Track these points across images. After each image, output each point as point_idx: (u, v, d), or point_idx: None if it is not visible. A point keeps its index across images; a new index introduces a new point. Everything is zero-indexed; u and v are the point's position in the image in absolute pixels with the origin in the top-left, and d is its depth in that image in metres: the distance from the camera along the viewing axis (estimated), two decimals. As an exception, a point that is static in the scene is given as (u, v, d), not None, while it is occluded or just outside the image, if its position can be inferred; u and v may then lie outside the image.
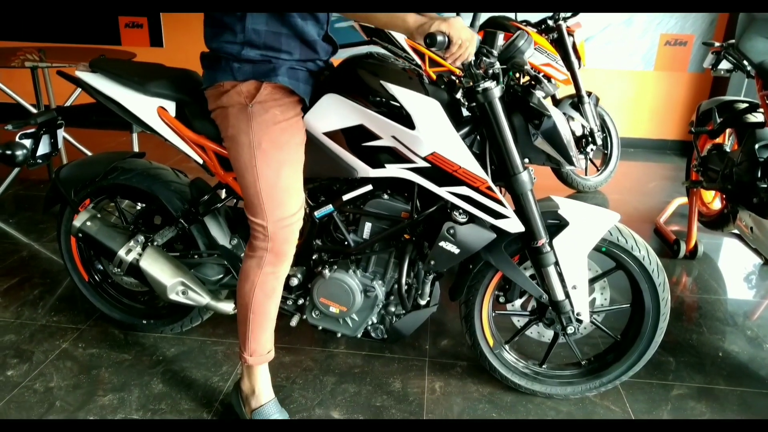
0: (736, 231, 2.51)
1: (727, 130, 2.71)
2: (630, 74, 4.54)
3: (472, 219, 1.49)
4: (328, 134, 1.48)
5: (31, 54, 3.53)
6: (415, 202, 1.54)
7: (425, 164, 1.41)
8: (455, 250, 1.50)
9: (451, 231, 1.49)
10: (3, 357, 1.88)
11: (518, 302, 1.75)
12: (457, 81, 1.47)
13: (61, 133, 1.79)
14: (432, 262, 1.54)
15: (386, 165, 1.45)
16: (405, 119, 1.38)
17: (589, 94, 3.48)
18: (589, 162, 3.64)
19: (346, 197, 1.58)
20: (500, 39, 1.34)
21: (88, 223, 1.71)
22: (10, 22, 4.91)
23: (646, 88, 4.56)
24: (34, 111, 3.03)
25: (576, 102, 3.47)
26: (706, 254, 2.81)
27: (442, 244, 1.50)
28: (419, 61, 3.37)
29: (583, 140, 3.55)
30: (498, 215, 1.44)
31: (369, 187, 1.56)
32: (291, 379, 1.83)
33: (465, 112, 1.50)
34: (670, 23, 4.34)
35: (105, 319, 2.04)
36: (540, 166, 1.51)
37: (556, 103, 3.53)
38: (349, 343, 2.00)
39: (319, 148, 1.50)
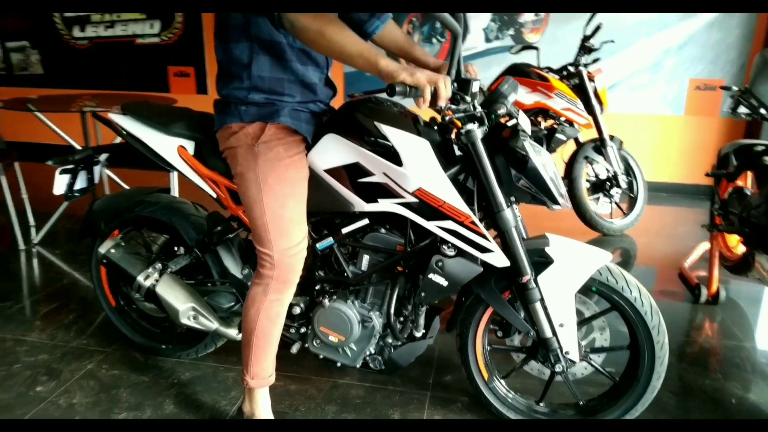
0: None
1: (749, 174, 2.69)
2: (660, 119, 4.54)
3: (461, 253, 1.56)
4: (329, 171, 1.59)
5: (89, 100, 3.88)
6: (408, 236, 1.62)
7: (413, 199, 1.50)
8: (444, 282, 1.57)
9: (440, 264, 1.56)
10: (35, 374, 2.03)
11: (517, 338, 1.79)
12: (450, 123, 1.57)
13: (98, 170, 1.98)
14: (423, 294, 1.61)
15: (379, 200, 1.55)
16: (394, 157, 1.48)
17: (612, 138, 3.52)
18: (614, 206, 3.64)
19: (345, 230, 1.68)
20: (474, 86, 1.43)
21: (112, 251, 1.87)
22: (74, 72, 5.38)
23: (677, 133, 4.54)
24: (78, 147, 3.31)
25: (599, 146, 3.51)
26: (730, 299, 2.75)
27: (431, 276, 1.57)
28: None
29: (607, 183, 3.58)
30: (483, 249, 1.50)
31: (366, 221, 1.66)
32: (294, 406, 1.90)
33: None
34: (698, 68, 4.35)
35: (128, 343, 2.18)
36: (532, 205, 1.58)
37: (579, 146, 3.58)
38: (353, 374, 2.06)
39: (321, 183, 1.62)
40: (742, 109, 2.77)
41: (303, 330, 1.82)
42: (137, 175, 3.65)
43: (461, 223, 1.48)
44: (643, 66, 4.45)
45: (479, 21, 4.57)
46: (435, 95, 1.28)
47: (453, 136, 1.57)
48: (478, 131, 1.47)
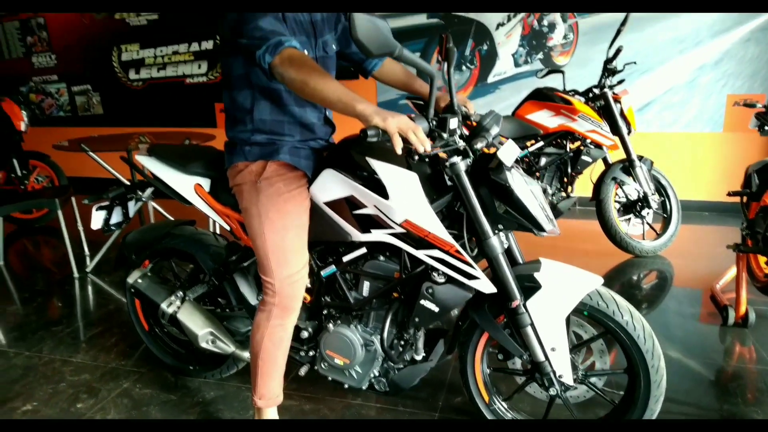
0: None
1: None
2: (697, 136, 4.44)
3: (451, 280, 1.63)
4: (328, 203, 1.71)
5: (143, 136, 4.20)
6: (404, 264, 1.71)
7: (401, 230, 1.59)
8: (434, 308, 1.64)
9: (430, 290, 1.64)
10: (77, 392, 2.23)
11: (519, 361, 1.83)
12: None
13: (132, 205, 2.18)
14: (416, 319, 1.69)
15: (372, 230, 1.65)
16: (383, 190, 1.58)
17: (642, 158, 3.49)
18: (646, 226, 3.59)
19: (345, 258, 1.79)
20: (452, 123, 1.51)
21: (139, 280, 2.06)
22: (131, 111, 5.81)
23: (715, 150, 4.42)
24: (126, 182, 3.59)
25: (627, 166, 3.49)
26: (762, 321, 2.66)
27: (422, 302, 1.65)
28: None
29: (638, 204, 3.54)
30: (469, 276, 1.57)
31: (363, 250, 1.76)
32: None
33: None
34: (737, 84, 4.25)
35: (161, 364, 2.35)
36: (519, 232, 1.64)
37: (608, 167, 3.56)
38: (366, 396, 2.15)
39: (321, 215, 1.74)
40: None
41: (311, 353, 1.93)
42: (182, 207, 3.90)
43: (447, 252, 1.56)
44: (678, 83, 4.38)
45: (508, 47, 4.64)
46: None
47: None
48: (461, 164, 1.55)
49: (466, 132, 1.66)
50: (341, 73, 1.88)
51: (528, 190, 1.58)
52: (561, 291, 1.58)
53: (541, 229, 1.57)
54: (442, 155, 1.58)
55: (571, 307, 1.59)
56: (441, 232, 1.55)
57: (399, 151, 1.33)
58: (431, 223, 1.55)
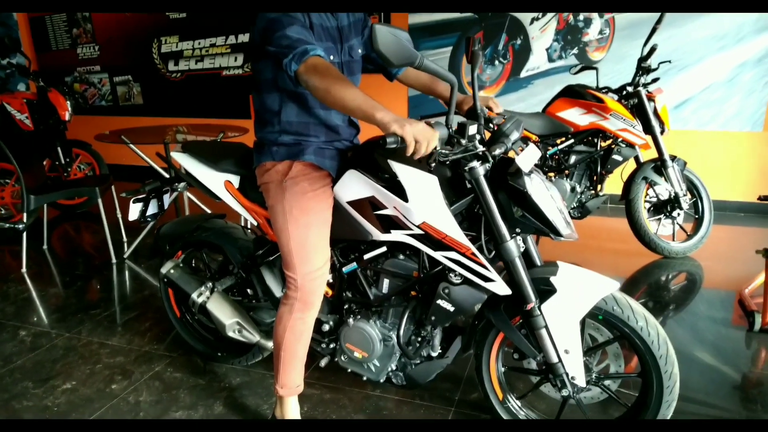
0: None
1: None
2: (736, 135, 4.32)
3: (467, 281, 1.67)
4: (350, 203, 1.77)
5: (181, 127, 4.34)
6: (422, 263, 1.76)
7: (420, 231, 1.64)
8: (450, 308, 1.69)
9: (446, 291, 1.68)
10: (112, 374, 2.36)
11: (534, 360, 1.86)
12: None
13: (167, 197, 2.29)
14: (432, 318, 1.74)
15: (392, 231, 1.70)
16: (403, 192, 1.63)
17: (674, 158, 3.43)
18: (677, 227, 3.54)
19: (366, 257, 1.85)
20: (471, 129, 1.54)
21: (172, 271, 2.16)
22: (169, 102, 5.98)
23: (755, 151, 4.30)
24: (165, 174, 3.73)
25: (659, 166, 3.44)
26: (792, 330, 2.61)
27: (438, 302, 1.70)
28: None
29: (669, 205, 3.49)
30: (485, 278, 1.61)
31: (384, 249, 1.81)
32: (326, 414, 2.08)
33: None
34: (779, 82, 4.12)
35: (191, 350, 2.47)
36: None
37: (639, 166, 3.52)
38: (384, 388, 2.21)
39: (344, 214, 1.79)
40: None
41: (332, 345, 2.00)
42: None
43: (464, 254, 1.60)
44: (717, 81, 4.27)
45: (543, 41, 4.60)
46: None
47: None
48: (480, 168, 1.58)
49: (487, 135, 1.69)
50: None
51: (547, 195, 1.60)
52: (576, 295, 1.60)
53: (558, 234, 1.59)
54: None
55: (585, 311, 1.61)
56: (458, 235, 1.59)
57: (417, 156, 1.37)
58: (449, 226, 1.59)
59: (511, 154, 1.68)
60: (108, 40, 6.06)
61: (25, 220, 3.51)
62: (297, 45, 1.49)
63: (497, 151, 1.55)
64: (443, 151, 1.48)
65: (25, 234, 3.53)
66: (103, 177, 3.95)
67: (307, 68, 1.47)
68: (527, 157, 1.62)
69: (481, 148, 1.57)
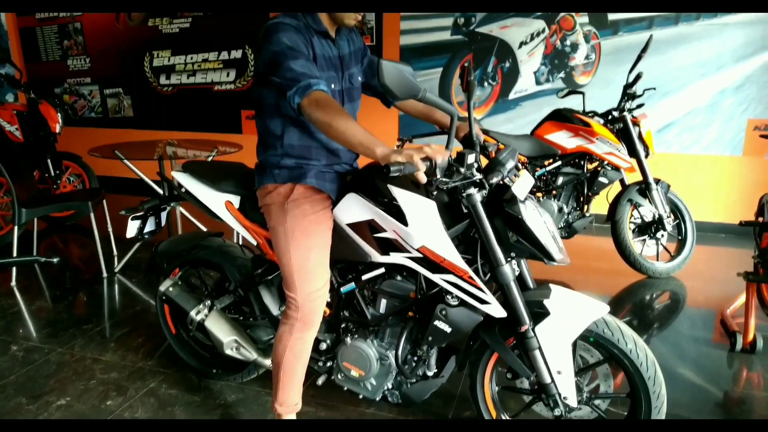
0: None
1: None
2: (717, 159, 4.46)
3: (463, 303, 1.72)
4: (350, 225, 1.82)
5: (170, 142, 4.36)
6: (420, 285, 1.81)
7: (418, 254, 1.69)
8: (447, 329, 1.74)
9: (444, 312, 1.73)
10: (107, 390, 2.37)
11: (527, 380, 1.91)
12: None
13: (164, 215, 2.32)
14: (429, 338, 1.78)
15: (391, 253, 1.75)
16: (402, 217, 1.68)
17: (658, 181, 3.54)
18: (661, 248, 3.64)
19: (364, 277, 1.89)
20: (470, 158, 1.60)
21: (170, 289, 2.19)
22: (160, 115, 6.00)
23: (735, 174, 4.44)
24: (158, 188, 3.75)
25: (643, 188, 3.54)
26: (772, 349, 2.70)
27: (436, 323, 1.75)
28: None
29: (653, 226, 3.59)
30: (481, 300, 1.66)
31: (382, 270, 1.86)
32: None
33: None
34: (758, 109, 4.27)
35: (186, 366, 2.48)
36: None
37: (624, 188, 3.62)
38: (379, 405, 2.25)
39: (344, 235, 1.84)
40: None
41: (329, 363, 2.03)
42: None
43: (461, 277, 1.66)
44: (699, 106, 4.42)
45: (530, 65, 4.72)
46: (433, 166, 1.47)
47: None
48: (477, 195, 1.64)
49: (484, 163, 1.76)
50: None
51: (541, 222, 1.67)
52: (568, 318, 1.66)
53: (551, 259, 1.65)
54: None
55: (577, 334, 1.67)
56: (456, 259, 1.64)
57: (424, 178, 1.42)
58: (447, 250, 1.64)
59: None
60: (99, 53, 6.07)
61: (16, 231, 3.49)
62: (301, 78, 1.54)
63: (494, 179, 1.62)
64: (443, 179, 1.54)
65: (15, 245, 3.51)
66: (94, 191, 3.95)
67: (310, 102, 1.53)
68: (522, 185, 1.69)
69: (478, 176, 1.63)
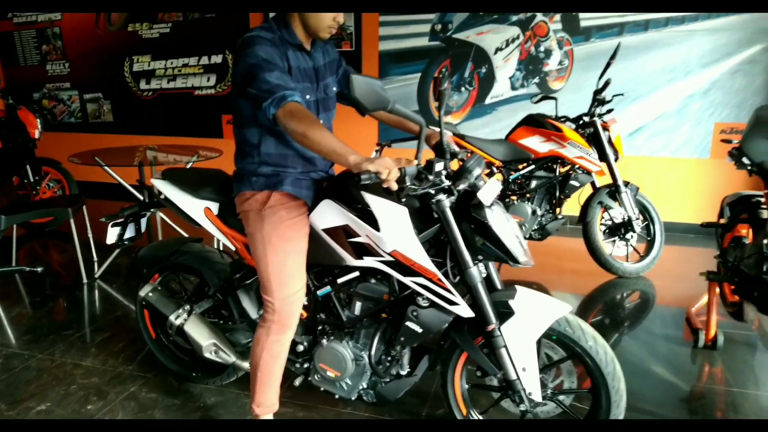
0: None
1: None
2: (686, 162, 4.61)
3: (434, 304, 1.80)
4: (325, 230, 1.88)
5: (151, 147, 4.39)
6: (393, 287, 1.89)
7: (390, 258, 1.76)
8: (418, 329, 1.81)
9: (415, 313, 1.81)
10: (87, 395, 2.40)
11: (496, 378, 1.99)
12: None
13: (144, 221, 2.36)
14: (402, 339, 1.86)
15: (364, 257, 1.83)
16: (375, 222, 1.76)
17: (627, 184, 3.66)
18: (631, 248, 3.76)
19: (340, 281, 1.96)
20: (438, 166, 1.68)
21: (150, 294, 2.24)
22: (140, 120, 6.01)
23: (703, 176, 4.59)
24: (137, 194, 3.78)
25: (613, 191, 3.66)
26: (733, 344, 2.82)
27: (407, 323, 1.82)
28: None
29: (622, 228, 3.71)
30: (450, 302, 1.74)
31: (356, 274, 1.93)
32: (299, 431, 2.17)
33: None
34: (724, 113, 4.42)
35: (165, 370, 2.52)
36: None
37: (595, 191, 3.73)
38: (355, 405, 2.31)
39: (320, 240, 1.91)
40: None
41: (306, 365, 2.09)
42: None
43: (431, 280, 1.73)
44: (667, 111, 4.56)
45: (506, 70, 4.82)
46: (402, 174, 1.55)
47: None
48: (446, 201, 1.72)
49: (453, 170, 1.83)
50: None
51: (507, 226, 1.76)
52: (532, 317, 1.75)
53: (516, 261, 1.74)
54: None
55: (540, 332, 1.75)
56: (426, 262, 1.72)
57: (394, 186, 1.50)
58: (417, 254, 1.72)
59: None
60: (78, 57, 6.06)
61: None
62: (276, 90, 1.61)
63: (462, 186, 1.70)
64: (412, 186, 1.61)
65: (-7, 254, 3.53)
66: (74, 197, 3.96)
67: (285, 113, 1.60)
68: (488, 191, 1.77)
69: (447, 183, 1.71)
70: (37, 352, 2.77)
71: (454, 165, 1.82)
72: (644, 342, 2.89)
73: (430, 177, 1.65)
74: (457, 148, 1.97)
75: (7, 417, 2.24)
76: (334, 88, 1.97)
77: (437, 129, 1.92)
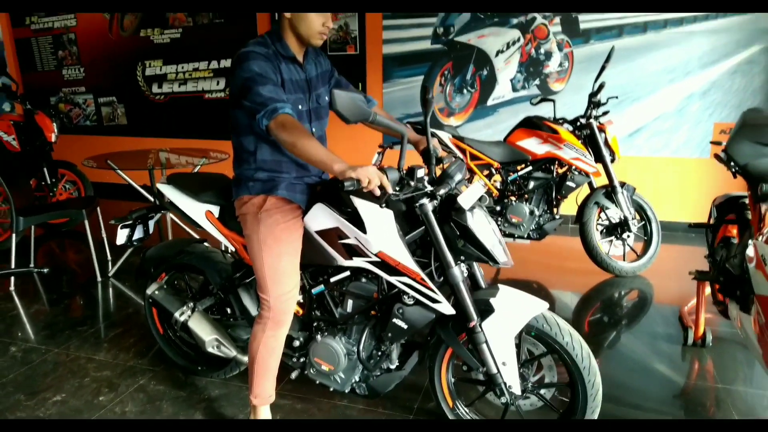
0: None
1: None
2: (685, 162, 4.66)
3: (419, 302, 1.91)
4: (318, 232, 2.00)
5: (163, 150, 4.55)
6: (382, 286, 2.00)
7: (377, 259, 1.88)
8: (404, 325, 1.93)
9: (401, 311, 1.92)
10: (99, 387, 2.55)
11: (481, 372, 2.09)
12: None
13: (152, 223, 2.50)
14: (389, 334, 1.97)
15: (354, 258, 1.94)
16: (362, 224, 1.87)
17: (624, 184, 3.74)
18: (627, 248, 3.83)
19: (332, 279, 2.08)
20: (419, 172, 1.79)
21: (156, 292, 2.38)
22: (153, 123, 6.19)
23: (703, 176, 4.64)
24: (149, 196, 3.93)
25: (609, 192, 3.74)
26: (722, 342, 2.90)
27: (394, 320, 1.94)
28: (461, 155, 3.87)
29: (619, 228, 3.79)
30: (433, 300, 1.85)
31: (347, 273, 2.05)
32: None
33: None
34: (723, 113, 4.47)
35: (173, 364, 2.66)
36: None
37: (592, 191, 3.81)
38: (351, 398, 2.43)
39: (313, 241, 2.03)
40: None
41: (302, 359, 2.22)
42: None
43: (415, 279, 1.85)
44: (667, 111, 4.61)
45: (507, 72, 4.91)
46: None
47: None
48: (429, 205, 1.83)
49: (437, 174, 1.95)
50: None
51: (488, 229, 1.86)
52: (511, 314, 1.85)
53: (496, 261, 1.85)
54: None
55: (519, 328, 1.85)
56: (410, 263, 1.83)
57: (376, 192, 1.61)
58: (402, 255, 1.83)
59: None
60: (93, 62, 6.25)
61: (14, 239, 3.67)
62: (269, 103, 1.73)
63: (443, 191, 1.81)
64: (393, 192, 1.73)
65: (13, 253, 3.70)
66: (89, 199, 4.13)
67: (276, 124, 1.72)
68: (469, 196, 1.87)
69: (429, 188, 1.82)
70: (54, 346, 2.93)
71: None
72: (637, 339, 2.97)
73: (412, 183, 1.76)
74: (443, 154, 2.08)
75: (25, 407, 2.40)
76: (326, 98, 2.09)
77: (422, 137, 2.04)
